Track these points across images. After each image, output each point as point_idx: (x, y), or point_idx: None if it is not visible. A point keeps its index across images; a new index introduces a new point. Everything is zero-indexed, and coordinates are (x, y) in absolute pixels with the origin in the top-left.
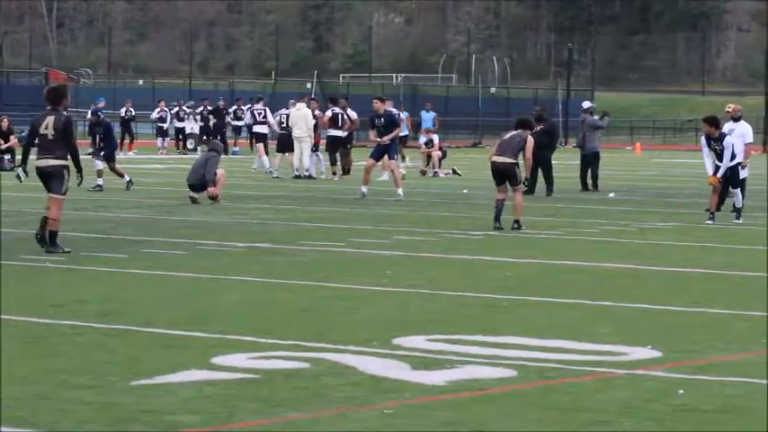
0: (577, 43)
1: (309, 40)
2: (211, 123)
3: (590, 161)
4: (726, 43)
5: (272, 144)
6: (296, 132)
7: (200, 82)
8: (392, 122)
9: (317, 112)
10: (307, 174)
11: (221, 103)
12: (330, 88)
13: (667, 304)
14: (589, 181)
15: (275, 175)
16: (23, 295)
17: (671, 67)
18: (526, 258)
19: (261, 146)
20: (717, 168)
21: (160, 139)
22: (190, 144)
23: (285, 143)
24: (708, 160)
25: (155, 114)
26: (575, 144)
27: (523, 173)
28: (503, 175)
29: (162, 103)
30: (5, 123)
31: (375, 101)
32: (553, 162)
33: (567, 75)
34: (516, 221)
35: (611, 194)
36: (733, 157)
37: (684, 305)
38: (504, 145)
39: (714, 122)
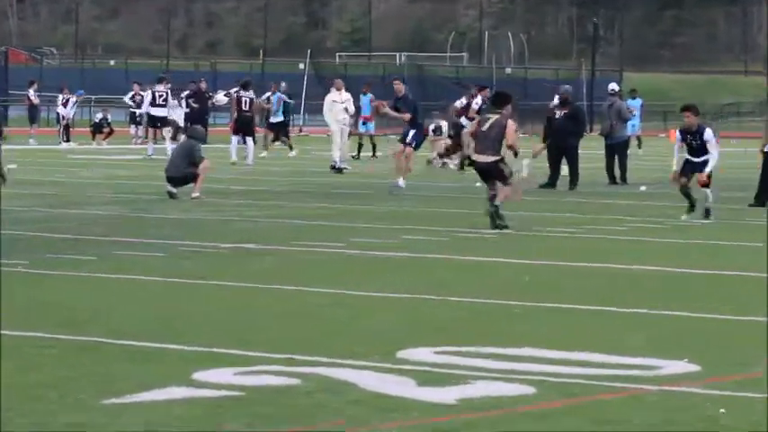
0: (603, 18)
1: (301, 16)
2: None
3: (618, 150)
4: None
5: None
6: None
7: (179, 62)
8: (407, 106)
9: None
10: (341, 165)
11: (203, 85)
12: (325, 69)
13: (707, 312)
14: (617, 173)
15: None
16: None
17: (708, 44)
18: (546, 260)
19: (152, 131)
20: (686, 163)
21: (134, 126)
22: (167, 132)
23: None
24: (677, 156)
25: (128, 97)
26: (600, 132)
27: (512, 163)
28: (487, 175)
29: (137, 87)
30: None
31: (396, 82)
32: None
33: (591, 53)
34: (495, 206)
35: (643, 188)
36: (705, 152)
37: (727, 312)
38: (482, 140)
39: (698, 112)
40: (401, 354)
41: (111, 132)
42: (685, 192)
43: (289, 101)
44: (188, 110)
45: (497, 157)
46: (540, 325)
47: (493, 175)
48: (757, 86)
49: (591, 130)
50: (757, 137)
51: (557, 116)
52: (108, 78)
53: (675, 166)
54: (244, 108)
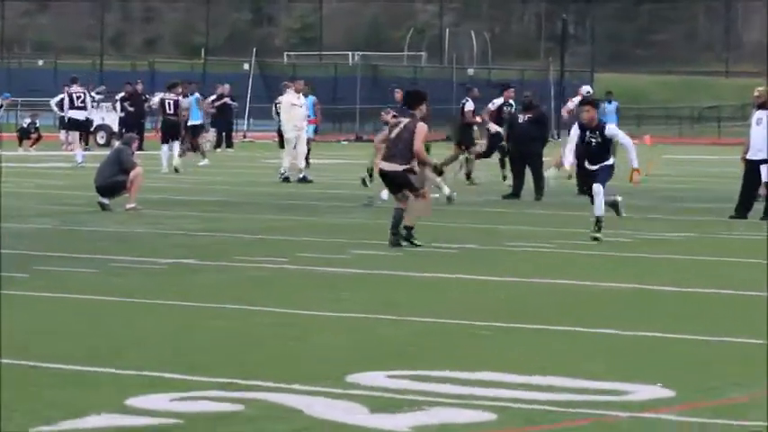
0: (573, 14)
1: (246, 11)
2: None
3: None
4: (755, 13)
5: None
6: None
7: (114, 62)
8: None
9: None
10: (301, 177)
11: (139, 87)
12: (272, 69)
13: (680, 332)
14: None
15: (286, 176)
16: None
17: (687, 42)
18: (509, 276)
19: (77, 135)
20: (581, 174)
21: (63, 132)
22: (100, 138)
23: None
24: (571, 154)
25: (55, 102)
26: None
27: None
28: (394, 185)
29: (67, 88)
30: None
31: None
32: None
33: (560, 52)
34: (407, 228)
35: (618, 198)
36: (602, 155)
37: (702, 333)
38: (391, 147)
39: (597, 106)
40: (352, 378)
41: (38, 138)
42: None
43: (232, 103)
44: (123, 114)
45: (406, 166)
46: (502, 347)
47: (401, 184)
48: (739, 88)
49: (559, 136)
50: (738, 143)
51: (519, 120)
52: (36, 79)
53: (567, 160)
54: (168, 112)
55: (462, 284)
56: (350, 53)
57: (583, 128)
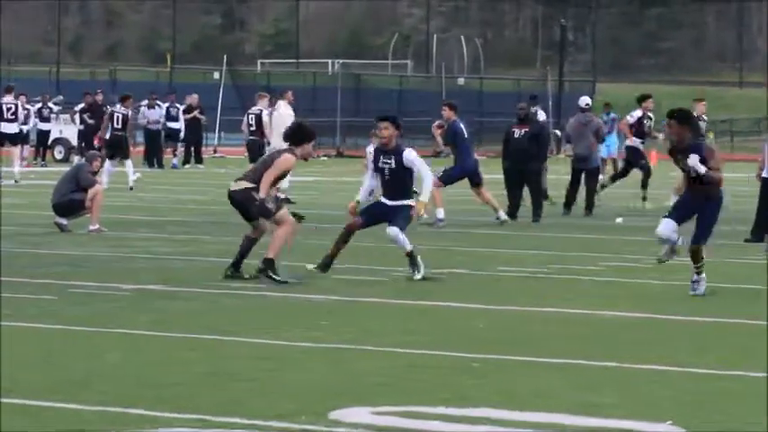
0: (572, 19)
1: (216, 15)
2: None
3: (589, 176)
4: None
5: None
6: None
7: (72, 70)
8: (448, 136)
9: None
10: (283, 197)
11: (99, 97)
12: (244, 78)
13: (693, 366)
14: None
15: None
16: None
17: (697, 49)
18: (505, 305)
19: (16, 150)
20: (373, 206)
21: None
22: (58, 153)
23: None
24: (369, 182)
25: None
26: (569, 153)
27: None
28: (238, 208)
29: (22, 98)
30: None
31: (444, 108)
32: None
33: (559, 61)
34: (266, 261)
35: (619, 220)
36: (401, 188)
37: (715, 367)
38: (248, 170)
39: (398, 125)
40: (334, 414)
41: None
42: (336, 250)
43: (200, 116)
44: (82, 126)
45: (250, 185)
46: (496, 381)
47: (245, 207)
48: (754, 100)
49: (558, 152)
50: (753, 160)
51: (516, 135)
52: None
53: (362, 195)
54: (116, 125)
55: (453, 313)
56: (329, 61)
57: (378, 150)
